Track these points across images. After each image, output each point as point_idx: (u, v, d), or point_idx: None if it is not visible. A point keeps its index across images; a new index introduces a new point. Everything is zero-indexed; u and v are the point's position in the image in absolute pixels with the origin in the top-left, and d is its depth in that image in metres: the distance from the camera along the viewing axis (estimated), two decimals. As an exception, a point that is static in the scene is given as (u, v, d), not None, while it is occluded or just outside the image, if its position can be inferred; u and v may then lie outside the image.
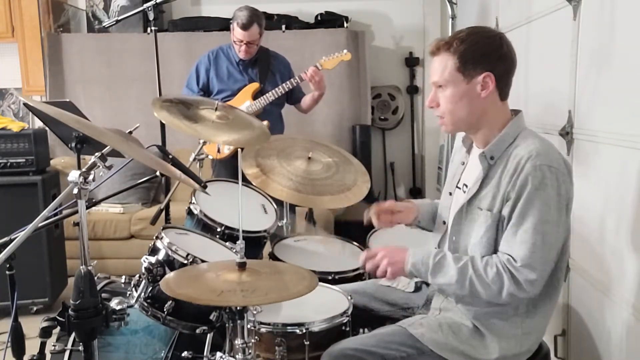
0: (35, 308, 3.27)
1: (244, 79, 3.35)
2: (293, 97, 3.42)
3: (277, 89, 3.26)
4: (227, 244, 2.11)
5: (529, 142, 1.52)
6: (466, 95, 1.53)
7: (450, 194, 1.72)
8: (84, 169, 1.42)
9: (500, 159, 1.54)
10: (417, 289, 1.88)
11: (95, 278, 1.47)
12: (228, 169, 3.29)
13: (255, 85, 3.32)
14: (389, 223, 1.87)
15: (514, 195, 1.48)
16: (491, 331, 1.56)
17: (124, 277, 1.92)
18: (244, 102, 3.29)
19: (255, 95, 3.31)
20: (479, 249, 1.55)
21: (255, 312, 1.64)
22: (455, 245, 1.63)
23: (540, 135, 1.59)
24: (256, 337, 1.68)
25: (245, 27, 3.18)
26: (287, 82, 3.25)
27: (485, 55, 1.52)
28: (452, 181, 1.74)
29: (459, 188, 1.69)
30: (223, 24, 4.69)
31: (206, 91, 3.40)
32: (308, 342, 1.70)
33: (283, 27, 4.57)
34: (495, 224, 1.53)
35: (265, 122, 3.12)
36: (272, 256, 2.27)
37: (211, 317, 1.79)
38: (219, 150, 3.25)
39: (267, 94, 3.27)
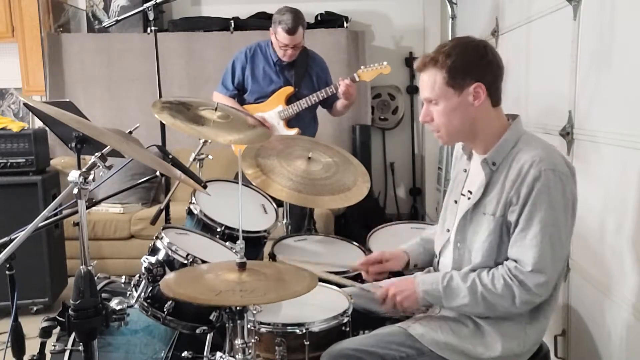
0: (35, 308, 3.27)
1: (280, 81, 3.25)
2: (328, 102, 3.29)
3: (310, 97, 3.18)
4: (227, 244, 2.11)
5: (531, 147, 1.53)
6: (459, 106, 1.54)
7: (456, 201, 1.72)
8: (84, 169, 1.42)
9: (503, 164, 1.56)
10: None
11: (95, 278, 1.47)
12: None
13: (289, 89, 3.23)
14: (379, 275, 1.85)
15: (520, 200, 1.49)
16: (496, 330, 1.56)
17: (124, 277, 1.92)
18: (277, 107, 3.23)
19: (290, 99, 3.23)
20: (481, 253, 1.56)
21: (255, 312, 1.64)
22: (460, 251, 1.64)
23: (542, 139, 1.60)
24: (256, 337, 1.68)
25: (291, 31, 3.05)
26: (322, 91, 3.17)
27: (473, 65, 1.53)
28: (455, 189, 1.74)
29: (463, 195, 1.69)
30: (223, 24, 4.69)
31: (241, 90, 3.32)
32: (308, 342, 1.69)
33: (283, 27, 4.55)
34: (499, 228, 1.54)
35: (294, 130, 3.17)
36: (272, 256, 2.27)
37: (211, 317, 1.79)
38: None
39: (300, 101, 3.20)
